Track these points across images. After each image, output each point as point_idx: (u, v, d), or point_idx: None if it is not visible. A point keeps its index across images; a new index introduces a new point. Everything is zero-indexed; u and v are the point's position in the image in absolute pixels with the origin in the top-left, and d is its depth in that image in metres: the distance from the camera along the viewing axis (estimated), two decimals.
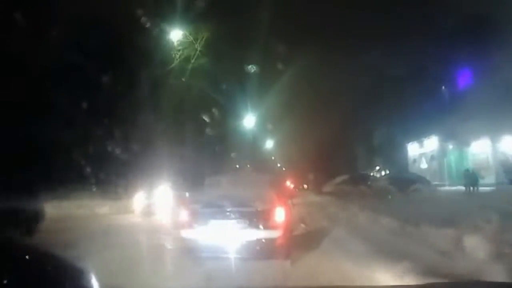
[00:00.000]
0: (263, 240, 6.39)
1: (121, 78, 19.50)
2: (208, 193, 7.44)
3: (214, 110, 29.26)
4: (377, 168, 53.34)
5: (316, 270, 6.08)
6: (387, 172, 47.29)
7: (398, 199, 15.41)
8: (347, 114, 57.31)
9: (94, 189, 17.62)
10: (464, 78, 32.40)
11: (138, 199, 17.37)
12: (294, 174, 67.20)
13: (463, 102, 30.22)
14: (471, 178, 19.14)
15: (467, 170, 20.47)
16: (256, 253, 6.42)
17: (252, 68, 29.04)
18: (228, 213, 6.55)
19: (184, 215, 6.92)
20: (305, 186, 74.98)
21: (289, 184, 34.15)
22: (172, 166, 20.17)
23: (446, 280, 4.04)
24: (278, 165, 73.04)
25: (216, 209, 6.63)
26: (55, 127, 17.62)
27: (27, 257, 2.47)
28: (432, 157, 36.14)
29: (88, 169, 16.67)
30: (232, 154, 47.35)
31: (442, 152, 34.27)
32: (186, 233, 6.78)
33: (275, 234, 6.44)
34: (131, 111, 20.23)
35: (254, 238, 6.40)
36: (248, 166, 57.39)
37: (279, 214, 6.61)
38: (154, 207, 16.84)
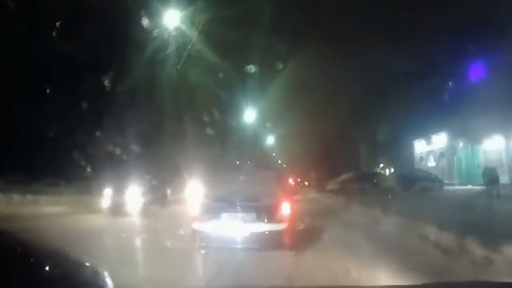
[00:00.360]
0: (270, 232, 6.79)
1: (109, 65, 17.97)
2: (219, 188, 7.94)
3: (212, 102, 27.78)
4: (381, 166, 51.70)
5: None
6: (392, 170, 45.83)
7: (423, 200, 13.60)
8: (350, 110, 55.62)
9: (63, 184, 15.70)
10: (476, 72, 30.73)
11: (107, 196, 14.94)
12: (295, 171, 66.89)
13: (474, 97, 28.63)
14: (491, 176, 17.48)
15: (487, 168, 18.84)
16: (263, 244, 6.89)
17: (252, 68, 27.80)
18: (238, 207, 7.01)
19: (197, 208, 7.41)
20: (306, 183, 73.75)
21: (291, 181, 35.15)
22: (159, 160, 18.66)
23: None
24: (279, 161, 71.95)
25: (227, 203, 7.09)
26: (38, 119, 16.08)
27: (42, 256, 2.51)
28: (441, 155, 34.53)
29: (61, 163, 15.02)
30: (232, 150, 46.14)
31: (452, 150, 32.67)
32: (199, 226, 7.15)
33: (281, 227, 6.86)
34: (117, 101, 18.62)
35: (262, 230, 6.82)
36: (248, 162, 56.22)
37: (285, 209, 7.05)
38: (125, 205, 14.68)
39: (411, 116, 38.67)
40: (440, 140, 34.68)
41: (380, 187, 21.75)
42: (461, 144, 31.89)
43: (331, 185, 31.91)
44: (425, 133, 36.87)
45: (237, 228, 6.92)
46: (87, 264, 2.66)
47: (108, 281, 2.54)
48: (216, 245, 7.09)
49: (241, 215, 6.95)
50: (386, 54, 43.65)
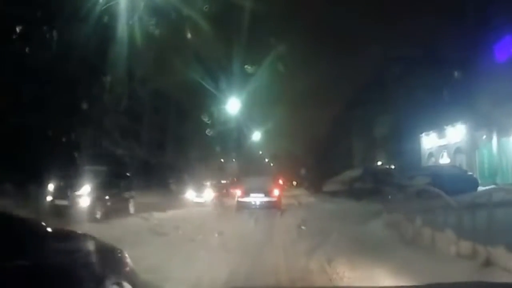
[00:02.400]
0: (269, 201, 18.13)
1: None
2: (248, 183, 19.16)
3: (185, 85, 22.54)
4: (379, 163, 46.73)
5: None
6: (392, 167, 40.94)
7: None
8: (345, 101, 51.02)
9: None
10: (504, 49, 25.75)
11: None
12: (283, 170, 63.95)
13: (501, 80, 23.76)
14: None
15: None
16: (266, 206, 17.76)
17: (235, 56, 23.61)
18: (256, 191, 18.27)
19: (240, 192, 18.92)
20: (295, 183, 68.95)
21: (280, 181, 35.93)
22: None
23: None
24: (266, 160, 68.63)
25: (252, 189, 18.35)
26: None
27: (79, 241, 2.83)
28: (457, 150, 29.45)
29: None
30: (215, 147, 41.95)
31: (473, 144, 27.59)
32: (241, 199, 18.62)
33: (274, 199, 18.42)
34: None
35: (266, 200, 18.15)
36: (234, 160, 53.50)
37: (276, 192, 18.81)
38: None
39: (418, 106, 33.86)
40: (456, 132, 29.57)
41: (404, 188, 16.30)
42: (484, 136, 26.83)
43: (331, 185, 26.75)
44: (436, 125, 31.79)
45: (256, 200, 18.02)
46: (112, 246, 2.89)
47: (129, 261, 2.82)
48: (247, 207, 17.65)
49: (257, 194, 18.07)
50: (388, 35, 38.95)
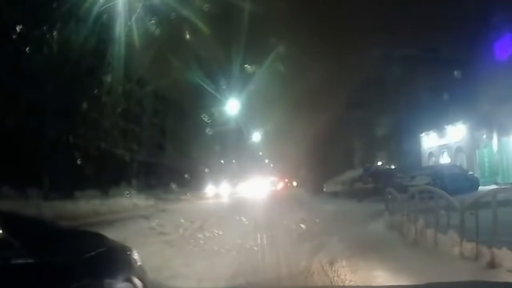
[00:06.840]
0: (277, 190, 52.33)
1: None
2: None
3: (183, 86, 22.49)
4: (380, 163, 46.65)
5: None
6: (392, 167, 40.92)
7: None
8: (345, 101, 50.86)
9: None
10: (504, 48, 25.72)
11: None
12: (283, 171, 65.09)
13: (501, 78, 23.70)
14: None
15: None
16: (275, 191, 50.99)
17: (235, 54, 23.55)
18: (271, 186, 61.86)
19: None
20: (295, 183, 68.99)
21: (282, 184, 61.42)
22: None
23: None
24: (266, 161, 69.44)
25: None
26: None
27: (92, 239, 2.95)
28: (458, 149, 29.36)
29: None
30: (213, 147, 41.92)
31: (473, 143, 27.52)
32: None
33: (279, 188, 58.65)
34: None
35: (276, 190, 55.58)
36: (234, 161, 53.80)
37: (278, 186, 61.25)
38: None
39: (418, 105, 33.81)
40: (457, 132, 29.48)
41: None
42: (484, 136, 26.76)
43: (331, 186, 26.65)
44: (437, 124, 31.70)
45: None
46: (122, 244, 3.04)
47: (137, 258, 2.94)
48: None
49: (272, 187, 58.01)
50: (388, 35, 38.86)
